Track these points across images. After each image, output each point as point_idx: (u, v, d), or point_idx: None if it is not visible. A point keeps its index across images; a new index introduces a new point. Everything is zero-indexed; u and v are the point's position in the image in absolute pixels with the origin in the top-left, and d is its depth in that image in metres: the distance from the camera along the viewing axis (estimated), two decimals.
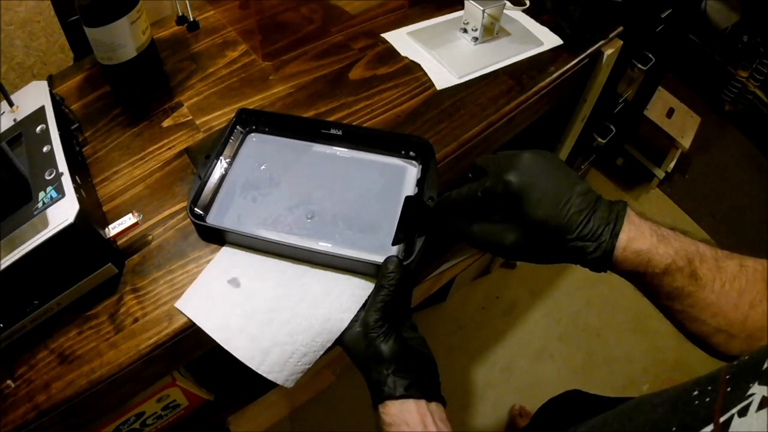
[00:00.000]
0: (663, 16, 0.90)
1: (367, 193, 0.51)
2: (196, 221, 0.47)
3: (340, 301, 0.44)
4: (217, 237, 0.48)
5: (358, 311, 0.44)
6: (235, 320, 0.43)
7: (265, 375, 0.42)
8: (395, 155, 0.54)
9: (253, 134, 0.56)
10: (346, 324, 0.43)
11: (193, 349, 0.47)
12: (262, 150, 0.55)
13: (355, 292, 0.45)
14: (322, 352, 0.44)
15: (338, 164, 0.54)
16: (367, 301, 0.44)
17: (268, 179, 0.53)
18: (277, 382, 0.43)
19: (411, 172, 0.53)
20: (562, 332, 1.37)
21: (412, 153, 0.54)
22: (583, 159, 1.19)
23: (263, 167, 0.53)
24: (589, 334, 1.36)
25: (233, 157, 0.54)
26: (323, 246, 0.47)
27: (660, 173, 1.62)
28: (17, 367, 0.42)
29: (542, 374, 1.29)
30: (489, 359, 1.31)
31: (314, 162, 0.54)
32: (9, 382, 0.41)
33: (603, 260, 0.36)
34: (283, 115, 0.59)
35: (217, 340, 0.42)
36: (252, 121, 0.56)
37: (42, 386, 0.41)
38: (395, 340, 0.41)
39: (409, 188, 0.51)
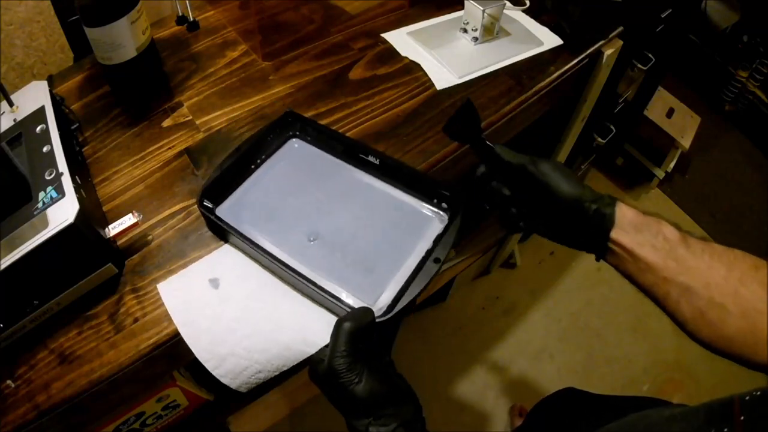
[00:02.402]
0: (663, 16, 0.90)
1: (381, 233, 0.49)
2: (202, 211, 0.47)
3: (306, 332, 0.42)
4: (219, 232, 0.48)
5: (323, 348, 0.41)
6: (203, 320, 0.43)
7: (218, 378, 0.43)
8: (427, 201, 0.50)
9: (295, 140, 0.56)
10: (304, 356, 0.41)
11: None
12: (299, 157, 0.54)
13: (324, 328, 0.42)
14: (277, 374, 0.43)
15: (367, 194, 0.52)
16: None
17: (291, 188, 0.51)
18: (230, 387, 0.43)
19: (434, 227, 0.49)
20: (562, 332, 1.37)
21: (444, 205, 0.50)
22: (583, 159, 1.19)
23: (292, 175, 0.52)
24: (589, 334, 1.36)
25: (267, 157, 0.53)
26: (310, 273, 0.45)
27: (660, 173, 1.62)
28: (17, 367, 0.42)
29: (542, 374, 1.29)
30: (489, 359, 1.30)
31: (344, 185, 0.52)
32: (9, 382, 0.41)
33: (611, 217, 0.40)
34: (329, 129, 0.56)
35: (182, 334, 0.43)
36: (297, 127, 0.56)
37: (42, 386, 0.41)
38: (369, 381, 0.38)
39: (426, 242, 0.47)
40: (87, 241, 0.43)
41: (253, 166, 0.52)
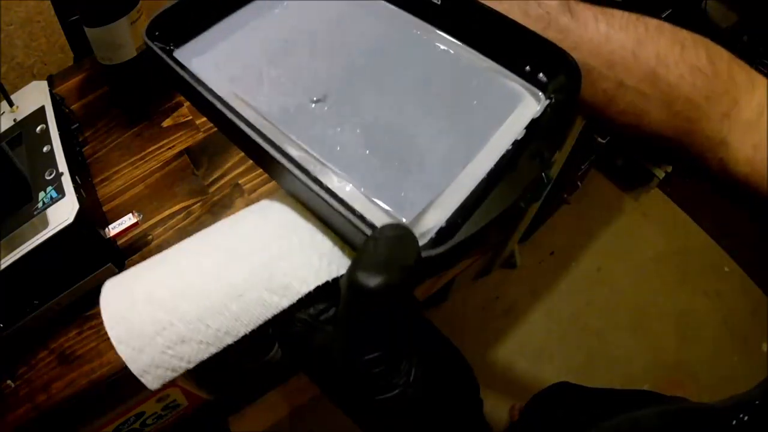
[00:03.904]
0: (663, 16, 0.90)
1: (432, 109, 0.29)
2: (151, 45, 0.28)
3: (270, 269, 0.24)
4: (176, 84, 0.28)
5: (309, 298, 0.23)
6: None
7: (115, 344, 0.24)
8: (515, 68, 0.30)
9: None
10: (268, 315, 0.23)
11: None
12: None
13: (310, 258, 0.24)
14: (214, 351, 0.24)
15: (415, 51, 0.32)
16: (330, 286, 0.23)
17: (297, 37, 0.32)
18: (129, 366, 0.24)
19: (528, 105, 0.29)
20: (562, 332, 1.37)
21: (542, 75, 0.30)
22: (583, 159, 1.19)
23: (300, 19, 0.33)
24: (589, 334, 1.36)
25: None
26: (295, 151, 0.26)
27: (660, 173, 1.62)
28: (17, 367, 0.42)
29: (542, 374, 1.29)
30: (489, 359, 1.30)
31: (383, 37, 0.32)
32: (9, 382, 0.41)
33: None
34: None
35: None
36: None
37: (42, 386, 0.41)
38: (421, 381, 0.22)
39: (512, 129, 0.28)
40: (87, 241, 0.43)
41: None
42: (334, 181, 0.25)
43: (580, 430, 0.33)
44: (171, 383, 0.51)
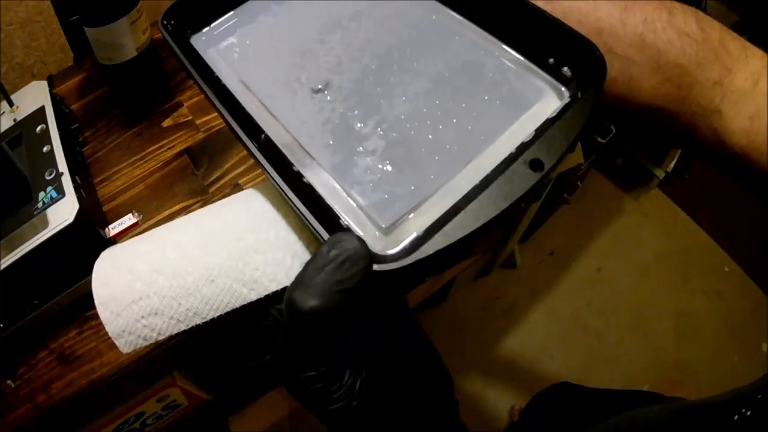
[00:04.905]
0: None
1: (443, 102, 0.27)
2: (164, 34, 0.29)
3: (245, 263, 0.25)
4: (187, 72, 0.28)
5: (278, 295, 0.25)
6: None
7: (97, 304, 0.25)
8: (537, 62, 0.28)
9: None
10: (236, 305, 0.24)
11: (194, 348, 0.47)
12: None
13: (284, 256, 0.25)
14: (183, 328, 0.25)
15: (432, 38, 0.29)
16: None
17: (315, 23, 0.31)
18: (107, 327, 0.25)
19: (548, 103, 0.26)
20: (562, 332, 1.37)
21: (566, 69, 0.26)
22: (583, 159, 1.19)
23: (321, 7, 0.32)
24: (589, 334, 1.36)
25: None
26: (285, 141, 0.26)
27: (660, 173, 1.62)
28: (17, 367, 0.42)
29: (542, 374, 1.29)
30: (489, 359, 1.31)
31: (397, 24, 0.30)
32: (9, 382, 0.41)
33: None
34: None
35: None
36: None
37: (42, 386, 0.41)
38: (369, 397, 0.22)
39: (523, 129, 0.25)
40: (87, 241, 0.43)
41: None
42: (320, 177, 0.24)
43: (580, 430, 0.33)
44: (171, 382, 0.55)
